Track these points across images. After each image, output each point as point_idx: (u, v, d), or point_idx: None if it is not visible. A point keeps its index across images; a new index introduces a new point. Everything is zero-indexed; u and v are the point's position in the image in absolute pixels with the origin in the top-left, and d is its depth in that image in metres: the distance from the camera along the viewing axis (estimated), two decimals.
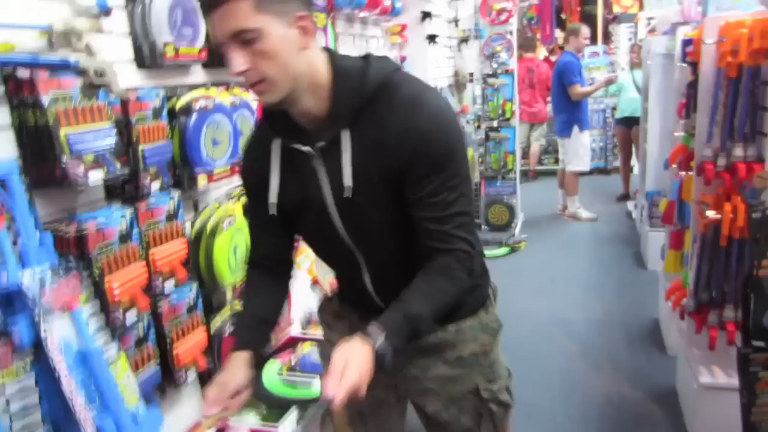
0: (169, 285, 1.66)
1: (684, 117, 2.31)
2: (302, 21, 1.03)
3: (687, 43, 2.10)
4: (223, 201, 2.01)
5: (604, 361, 3.01)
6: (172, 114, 1.73)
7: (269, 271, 1.32)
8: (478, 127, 5.51)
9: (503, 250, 4.86)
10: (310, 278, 2.56)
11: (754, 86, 1.73)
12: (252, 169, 1.26)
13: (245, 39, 0.99)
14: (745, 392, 1.45)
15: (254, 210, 1.31)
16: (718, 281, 1.97)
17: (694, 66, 2.05)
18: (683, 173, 2.30)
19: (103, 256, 1.41)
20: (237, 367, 1.18)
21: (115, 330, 1.44)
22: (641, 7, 7.70)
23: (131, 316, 1.51)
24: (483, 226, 5.42)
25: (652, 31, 4.89)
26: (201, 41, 1.83)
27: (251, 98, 2.19)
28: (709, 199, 1.94)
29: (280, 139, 1.16)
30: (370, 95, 1.08)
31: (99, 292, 1.38)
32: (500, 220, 5.36)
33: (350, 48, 3.18)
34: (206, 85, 1.93)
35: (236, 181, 2.10)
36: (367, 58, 1.14)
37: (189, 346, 1.73)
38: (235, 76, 1.02)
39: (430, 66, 4.38)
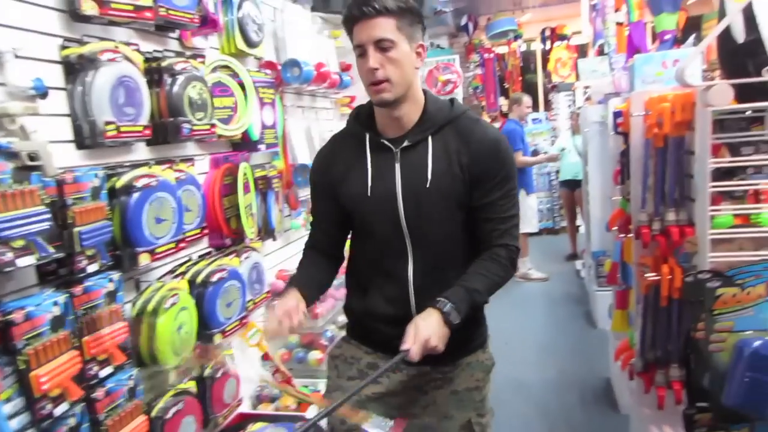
0: (105, 371, 1.57)
1: (620, 183, 2.41)
2: (420, 48, 1.40)
3: (617, 115, 2.22)
4: (168, 279, 1.96)
5: (560, 423, 3.00)
6: (113, 193, 1.69)
7: (324, 254, 1.59)
8: None
9: None
10: (260, 353, 2.48)
11: (680, 155, 1.83)
12: (336, 160, 1.51)
13: (383, 46, 1.31)
14: None
15: (323, 203, 1.56)
16: (662, 341, 2.00)
17: (626, 136, 2.16)
18: (623, 236, 2.38)
19: (30, 347, 1.33)
20: (293, 296, 1.39)
21: (42, 423, 1.35)
22: (578, 77, 8.18)
23: (62, 408, 1.42)
24: None
25: (588, 99, 5.18)
26: (145, 119, 1.83)
27: (197, 172, 2.19)
28: (648, 261, 2.00)
29: (368, 135, 1.45)
30: (455, 116, 1.42)
31: (25, 385, 1.29)
32: None
33: (299, 120, 3.23)
34: (149, 163, 1.92)
35: (181, 256, 2.05)
36: (452, 99, 1.49)
37: None
38: (367, 73, 1.33)
39: None
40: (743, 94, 1.49)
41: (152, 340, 1.76)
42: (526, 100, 5.64)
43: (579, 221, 6.24)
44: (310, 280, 1.51)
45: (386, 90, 1.34)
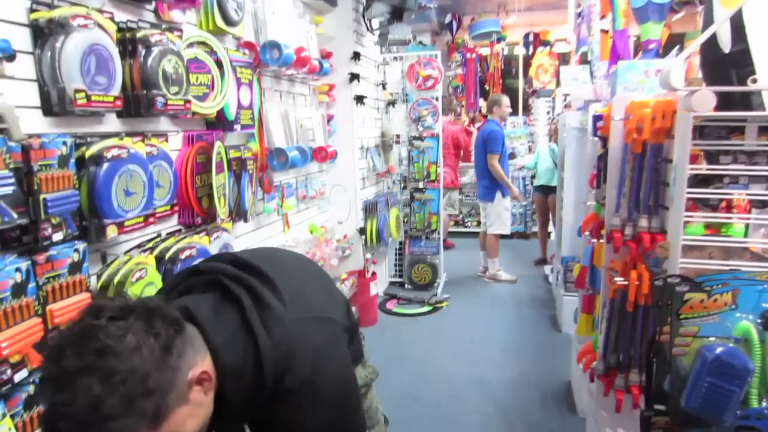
0: None
1: (595, 187, 2.44)
2: (198, 386, 0.94)
3: (597, 118, 2.23)
4: (135, 253, 1.90)
5: (518, 423, 3.03)
6: (82, 163, 1.64)
7: None
8: (404, 187, 5.62)
9: (425, 308, 4.92)
10: None
11: (657, 162, 1.85)
12: None
13: None
14: None
15: None
16: (625, 345, 2.03)
17: (604, 140, 2.18)
18: (595, 240, 2.41)
19: None
20: None
21: (1, 388, 1.31)
22: (558, 83, 8.28)
23: (21, 374, 1.38)
24: (407, 285, 5.46)
25: (567, 106, 5.24)
26: (116, 89, 1.77)
27: (170, 149, 2.14)
28: (618, 265, 2.03)
29: None
30: (272, 397, 1.01)
31: None
32: (423, 279, 5.44)
33: (277, 104, 3.18)
34: (120, 135, 1.86)
35: (150, 232, 2.01)
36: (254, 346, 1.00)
37: None
38: None
39: (357, 126, 4.46)
40: (725, 103, 1.50)
41: None
42: (505, 100, 5.67)
43: (550, 227, 6.32)
44: None
45: None
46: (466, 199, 8.05)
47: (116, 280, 1.71)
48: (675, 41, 6.67)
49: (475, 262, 6.07)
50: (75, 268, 1.58)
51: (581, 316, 2.73)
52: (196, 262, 2.03)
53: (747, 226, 1.70)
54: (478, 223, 7.52)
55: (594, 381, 2.26)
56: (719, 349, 1.27)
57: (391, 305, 5.04)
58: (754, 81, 1.39)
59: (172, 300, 1.05)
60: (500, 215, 5.53)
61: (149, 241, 2.00)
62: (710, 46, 1.51)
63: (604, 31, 3.83)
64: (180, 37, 2.17)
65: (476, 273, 5.96)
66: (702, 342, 1.30)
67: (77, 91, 1.58)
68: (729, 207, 1.67)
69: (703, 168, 1.50)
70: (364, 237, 4.60)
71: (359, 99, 4.41)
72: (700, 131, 1.50)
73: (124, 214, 1.75)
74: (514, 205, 7.43)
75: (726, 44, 1.49)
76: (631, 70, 2.25)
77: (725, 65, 1.50)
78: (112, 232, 1.70)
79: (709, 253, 1.53)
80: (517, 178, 7.76)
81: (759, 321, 1.29)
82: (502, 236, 5.67)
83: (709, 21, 1.57)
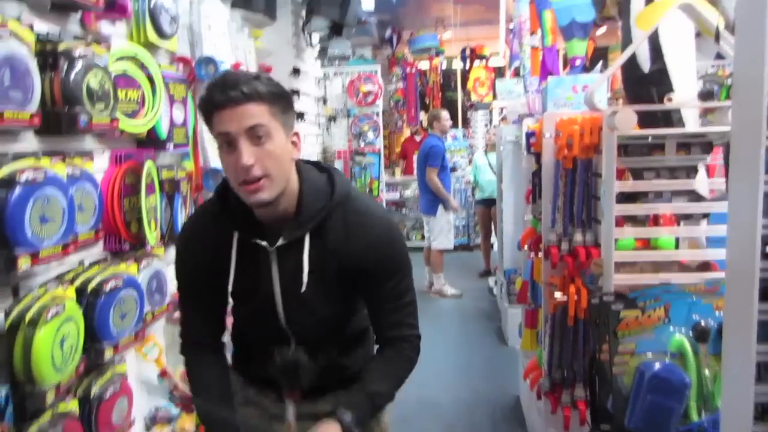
0: None
1: (531, 202, 2.47)
2: (296, 137, 1.24)
3: (530, 135, 2.27)
4: (52, 286, 1.77)
5: None
6: None
7: (209, 348, 1.42)
8: None
9: None
10: (157, 369, 2.31)
11: (588, 177, 1.88)
12: (203, 254, 1.34)
13: (257, 135, 1.14)
14: None
15: (196, 293, 1.39)
16: (568, 361, 2.05)
17: (538, 156, 2.21)
18: (533, 255, 2.43)
19: None
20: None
21: None
22: (495, 96, 8.46)
23: None
24: None
25: (504, 119, 5.34)
26: (34, 106, 1.65)
27: (95, 169, 2.02)
28: (557, 281, 2.05)
29: (237, 234, 1.28)
30: (334, 206, 1.26)
31: None
32: None
33: None
34: (37, 155, 1.73)
35: (69, 263, 1.87)
36: (329, 172, 1.32)
37: None
38: (239, 170, 1.15)
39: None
40: (646, 121, 1.54)
41: (28, 355, 1.57)
42: (444, 114, 5.73)
43: (493, 238, 6.41)
44: (227, 402, 1.38)
45: (264, 189, 1.17)
46: (410, 212, 8.08)
47: (28, 317, 1.57)
48: (600, 54, 6.97)
49: (420, 278, 6.07)
50: None
51: (525, 331, 2.76)
52: (121, 294, 1.94)
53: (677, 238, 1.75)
54: (422, 237, 7.57)
55: (541, 398, 2.27)
56: (657, 366, 1.28)
57: None
58: (669, 100, 1.44)
59: None
60: (443, 230, 5.56)
61: (70, 271, 1.86)
62: (631, 66, 1.56)
63: (535, 47, 3.93)
64: (108, 49, 2.05)
65: (421, 289, 5.96)
66: (640, 359, 1.32)
67: None
68: (656, 220, 1.72)
69: (629, 184, 1.54)
70: None
71: (300, 115, 4.35)
72: (625, 148, 1.53)
73: (38, 243, 1.62)
74: (457, 217, 7.51)
75: (645, 63, 1.53)
76: (560, 86, 2.30)
77: (646, 83, 1.55)
78: (24, 263, 1.57)
79: (640, 267, 1.56)
80: (458, 191, 7.85)
81: (691, 334, 1.31)
82: (446, 250, 5.70)
83: (627, 41, 1.61)
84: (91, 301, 1.81)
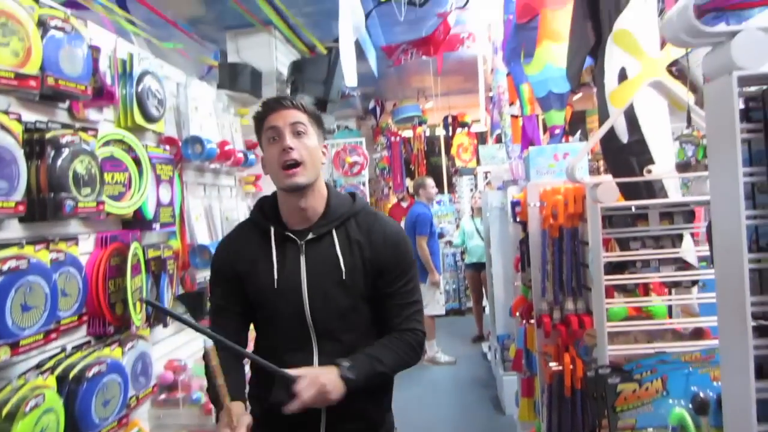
0: None
1: (520, 270, 2.47)
2: (324, 148, 1.55)
3: (515, 204, 2.30)
4: (32, 376, 1.71)
5: None
6: None
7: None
8: None
9: None
10: None
11: (575, 246, 1.89)
12: (242, 250, 1.54)
13: (298, 130, 1.45)
14: None
15: (228, 292, 1.56)
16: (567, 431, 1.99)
17: (524, 224, 2.23)
18: (525, 322, 2.41)
19: None
20: (240, 408, 1.36)
21: None
22: (479, 162, 8.62)
23: None
24: None
25: (488, 184, 5.42)
26: (20, 194, 1.65)
27: (80, 252, 1.99)
28: (551, 350, 2.02)
29: (273, 228, 1.50)
30: (356, 211, 1.52)
31: None
32: None
33: (200, 198, 3.10)
34: (21, 243, 1.72)
35: (51, 349, 1.82)
36: (351, 192, 1.62)
37: None
38: (282, 153, 1.43)
39: None
40: (629, 191, 1.57)
41: None
42: (429, 182, 5.80)
43: (485, 302, 6.36)
44: (240, 387, 1.49)
45: (299, 174, 1.43)
46: None
47: (5, 410, 1.51)
48: (578, 117, 7.19)
49: None
50: None
51: (522, 400, 2.69)
52: (105, 380, 1.87)
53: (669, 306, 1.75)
54: None
55: None
56: None
57: None
58: (649, 171, 1.47)
59: None
60: (434, 296, 5.52)
61: (51, 358, 1.81)
62: (609, 137, 1.60)
63: (515, 116, 4.03)
64: (95, 136, 2.08)
65: None
66: None
67: None
68: (646, 288, 1.72)
69: (615, 255, 1.55)
70: None
71: None
72: (609, 218, 1.55)
73: (19, 332, 1.58)
74: (447, 281, 7.47)
75: (623, 135, 1.57)
76: (541, 155, 2.35)
77: (625, 154, 1.58)
78: (3, 354, 1.52)
79: (634, 336, 1.54)
80: (448, 255, 7.85)
81: (691, 406, 1.28)
82: (437, 315, 5.64)
83: (603, 111, 1.66)
84: (72, 388, 1.75)
